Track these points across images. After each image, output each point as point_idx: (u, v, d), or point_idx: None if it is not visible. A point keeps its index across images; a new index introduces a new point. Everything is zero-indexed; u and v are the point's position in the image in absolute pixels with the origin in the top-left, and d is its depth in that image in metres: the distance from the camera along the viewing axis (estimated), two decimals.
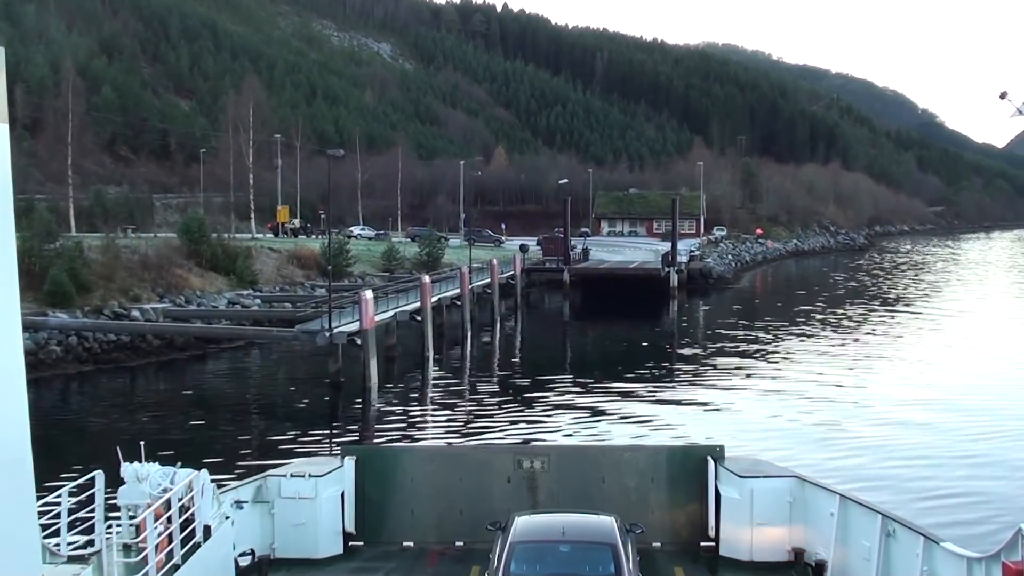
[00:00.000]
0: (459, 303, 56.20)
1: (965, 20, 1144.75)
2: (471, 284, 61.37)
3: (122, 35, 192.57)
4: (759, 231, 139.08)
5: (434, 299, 53.05)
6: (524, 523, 13.01)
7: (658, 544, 16.24)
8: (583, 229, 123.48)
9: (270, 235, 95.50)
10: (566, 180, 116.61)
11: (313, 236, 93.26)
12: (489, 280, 65.72)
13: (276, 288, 64.11)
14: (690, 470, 16.59)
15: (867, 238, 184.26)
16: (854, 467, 28.04)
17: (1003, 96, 37.20)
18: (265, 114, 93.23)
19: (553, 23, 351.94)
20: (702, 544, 16.36)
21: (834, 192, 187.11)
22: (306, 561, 15.58)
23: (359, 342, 39.78)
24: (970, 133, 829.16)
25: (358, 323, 40.39)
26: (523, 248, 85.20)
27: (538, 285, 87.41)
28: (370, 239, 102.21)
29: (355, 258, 74.79)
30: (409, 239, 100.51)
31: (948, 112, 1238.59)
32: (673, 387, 42.80)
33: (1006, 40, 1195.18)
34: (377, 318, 43.51)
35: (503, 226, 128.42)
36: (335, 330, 39.78)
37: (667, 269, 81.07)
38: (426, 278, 48.62)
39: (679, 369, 48.36)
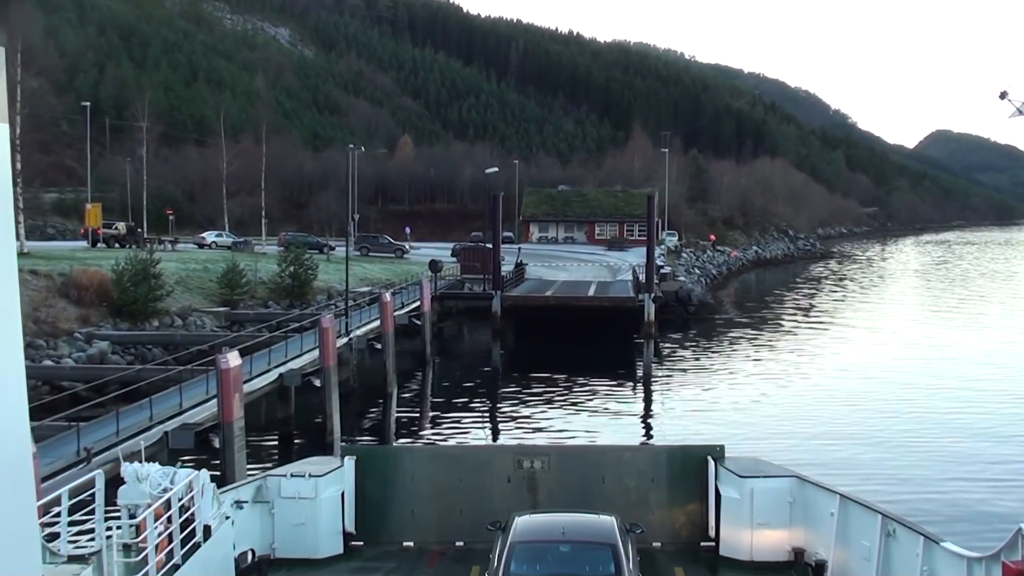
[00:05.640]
0: (317, 382, 31.08)
1: (873, 21, 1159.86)
2: (350, 335, 36.96)
3: None
4: (712, 237, 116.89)
5: (263, 383, 28.50)
6: (524, 523, 12.75)
7: (658, 544, 15.91)
8: (506, 234, 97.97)
9: (83, 244, 69.26)
10: (496, 169, 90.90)
11: (139, 246, 66.49)
12: (379, 322, 41.14)
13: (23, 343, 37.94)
14: (690, 470, 16.31)
15: (821, 242, 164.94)
16: (854, 468, 27.21)
17: (1003, 96, 35.50)
18: (47, 65, 65.72)
19: (465, 11, 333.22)
20: (702, 544, 16.02)
21: (785, 192, 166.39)
22: (306, 561, 15.19)
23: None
24: (881, 134, 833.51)
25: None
26: (434, 266, 60.12)
27: (455, 315, 62.58)
28: (228, 248, 76.03)
29: (179, 283, 49.61)
30: (282, 247, 74.22)
31: (859, 113, 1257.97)
32: None
33: (915, 41, 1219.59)
34: (114, 458, 18.94)
35: (407, 231, 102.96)
36: None
37: (641, 296, 56.19)
38: (232, 358, 23.18)
39: None
